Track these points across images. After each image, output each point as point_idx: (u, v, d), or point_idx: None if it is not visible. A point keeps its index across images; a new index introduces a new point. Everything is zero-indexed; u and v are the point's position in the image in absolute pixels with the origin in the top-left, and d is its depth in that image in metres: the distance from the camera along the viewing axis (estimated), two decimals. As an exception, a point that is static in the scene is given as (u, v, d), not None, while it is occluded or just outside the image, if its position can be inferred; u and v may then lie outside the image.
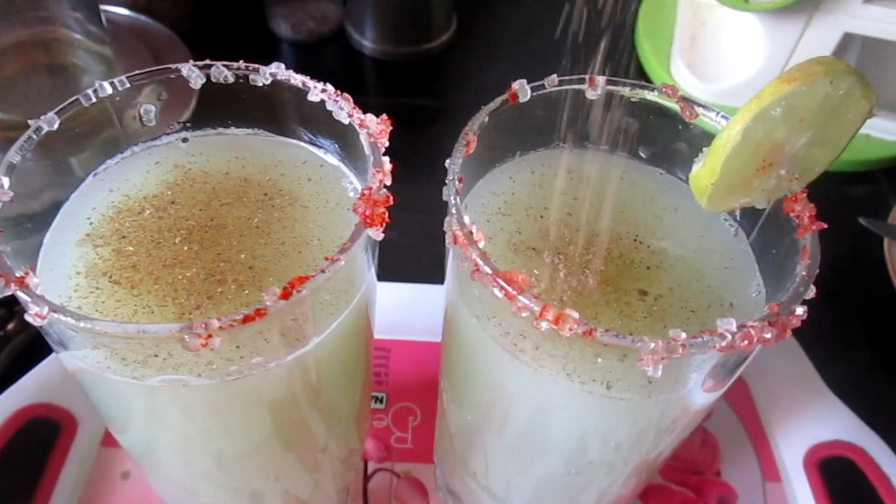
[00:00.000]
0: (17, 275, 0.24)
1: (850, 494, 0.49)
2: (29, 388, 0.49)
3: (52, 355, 0.51)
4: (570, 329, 0.24)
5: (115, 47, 0.65)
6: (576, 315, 0.24)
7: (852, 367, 0.59)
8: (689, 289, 0.31)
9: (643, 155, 0.36)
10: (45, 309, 0.23)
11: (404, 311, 0.58)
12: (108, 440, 0.50)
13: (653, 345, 0.23)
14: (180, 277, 0.29)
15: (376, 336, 0.44)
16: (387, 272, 0.39)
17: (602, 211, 0.34)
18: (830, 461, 0.51)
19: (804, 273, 0.26)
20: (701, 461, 0.52)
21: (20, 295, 0.24)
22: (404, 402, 0.55)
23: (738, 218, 0.33)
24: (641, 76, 0.81)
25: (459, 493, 0.47)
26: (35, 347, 0.54)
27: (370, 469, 0.51)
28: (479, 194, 0.34)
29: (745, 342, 0.24)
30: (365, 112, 0.31)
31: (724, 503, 0.50)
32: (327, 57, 0.83)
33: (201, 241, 0.30)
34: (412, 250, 0.63)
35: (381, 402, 0.54)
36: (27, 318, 0.23)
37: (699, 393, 0.29)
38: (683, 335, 0.24)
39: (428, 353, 0.57)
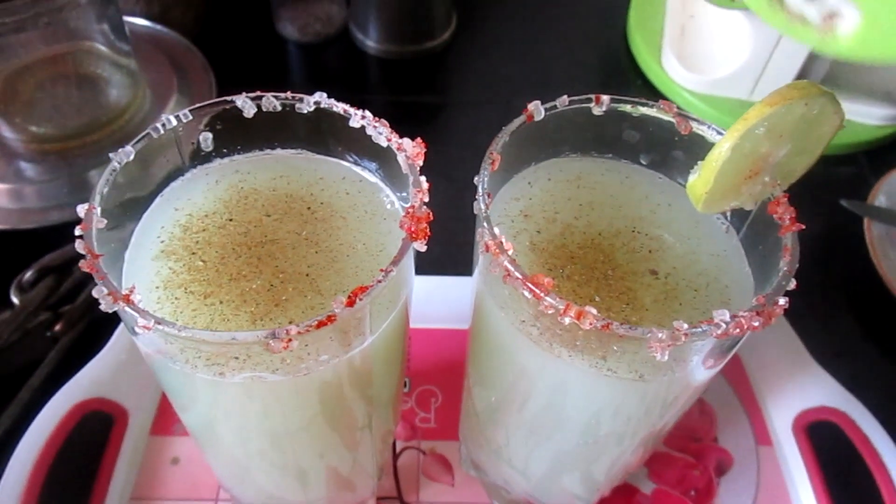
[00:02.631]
0: (123, 293, 0.28)
1: (836, 455, 0.54)
2: (83, 384, 0.54)
3: (101, 353, 0.56)
4: (591, 323, 0.29)
5: (137, 59, 0.69)
6: (594, 311, 0.29)
7: (836, 338, 0.64)
8: (689, 269, 0.35)
9: (643, 162, 0.40)
10: (152, 322, 0.27)
11: (420, 301, 0.63)
12: (157, 429, 0.55)
13: (660, 335, 0.28)
14: (247, 289, 0.33)
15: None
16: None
17: (605, 210, 0.38)
18: (816, 425, 0.56)
19: (786, 268, 0.31)
20: (699, 429, 0.58)
21: (127, 310, 0.28)
22: (426, 385, 0.59)
23: (728, 217, 0.38)
24: (633, 68, 0.85)
25: (484, 465, 0.52)
26: (81, 346, 0.58)
27: (398, 448, 0.55)
28: (503, 200, 0.38)
29: (737, 330, 0.28)
30: (370, 109, 0.35)
31: (722, 466, 0.56)
32: (332, 57, 0.87)
33: (259, 255, 0.35)
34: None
35: (404, 386, 0.59)
36: (137, 329, 0.28)
37: (701, 371, 0.33)
38: (685, 326, 0.28)
39: (445, 339, 0.62)
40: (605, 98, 0.37)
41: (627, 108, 0.38)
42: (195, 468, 0.53)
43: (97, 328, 0.59)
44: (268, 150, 0.39)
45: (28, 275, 0.56)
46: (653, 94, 0.83)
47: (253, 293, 0.33)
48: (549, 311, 0.30)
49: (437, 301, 0.62)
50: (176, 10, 0.79)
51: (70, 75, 0.64)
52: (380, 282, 0.29)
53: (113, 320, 0.59)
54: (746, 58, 0.75)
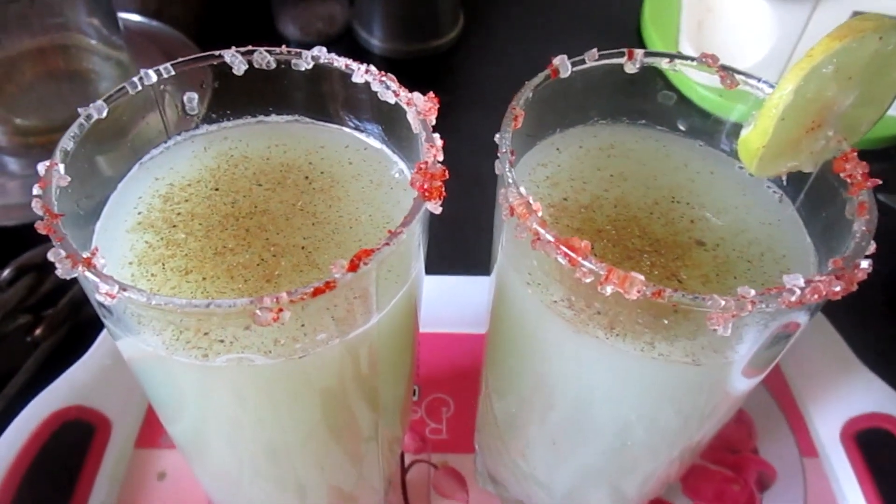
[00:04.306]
0: (84, 256, 0.24)
1: (890, 465, 0.49)
2: (62, 391, 0.49)
3: (84, 358, 0.51)
4: (639, 291, 0.24)
5: (130, 52, 0.65)
6: (641, 277, 0.24)
7: (880, 338, 0.59)
8: (738, 239, 0.31)
9: (682, 128, 0.36)
10: (116, 288, 0.23)
11: (429, 302, 0.58)
12: (143, 441, 0.50)
13: (723, 303, 0.23)
14: (234, 264, 0.29)
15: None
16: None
17: (639, 180, 0.34)
18: (868, 433, 0.51)
19: (864, 228, 0.26)
20: (737, 440, 0.52)
21: (88, 276, 0.24)
22: (437, 394, 0.55)
23: (782, 184, 0.33)
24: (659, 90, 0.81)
25: (502, 479, 0.47)
26: (62, 352, 0.54)
27: (407, 461, 0.50)
28: (528, 165, 0.34)
29: (815, 296, 0.24)
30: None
31: (764, 480, 0.50)
32: (336, 57, 0.83)
33: (248, 227, 0.30)
34: (434, 241, 0.63)
35: (413, 394, 0.54)
36: (98, 297, 0.23)
37: (762, 355, 0.29)
38: (752, 292, 0.24)
39: (456, 343, 0.57)
40: (639, 53, 0.33)
41: (664, 63, 0.34)
42: (184, 483, 0.48)
43: (81, 333, 0.55)
44: (261, 117, 0.35)
45: (5, 273, 0.52)
46: (669, 90, 0.79)
47: (240, 268, 0.29)
48: (587, 280, 0.25)
49: (449, 303, 0.58)
50: (174, 7, 0.76)
51: (59, 68, 0.61)
52: (387, 244, 0.25)
53: (98, 324, 0.54)
54: (769, 49, 0.71)
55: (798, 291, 0.24)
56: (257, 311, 0.23)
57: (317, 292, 0.23)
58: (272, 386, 0.28)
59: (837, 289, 0.24)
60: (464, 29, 0.85)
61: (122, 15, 0.72)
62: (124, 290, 0.23)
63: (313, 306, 0.24)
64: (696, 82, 0.77)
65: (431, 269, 0.59)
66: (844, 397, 0.52)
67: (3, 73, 0.59)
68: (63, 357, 0.52)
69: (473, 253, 0.60)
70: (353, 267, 0.24)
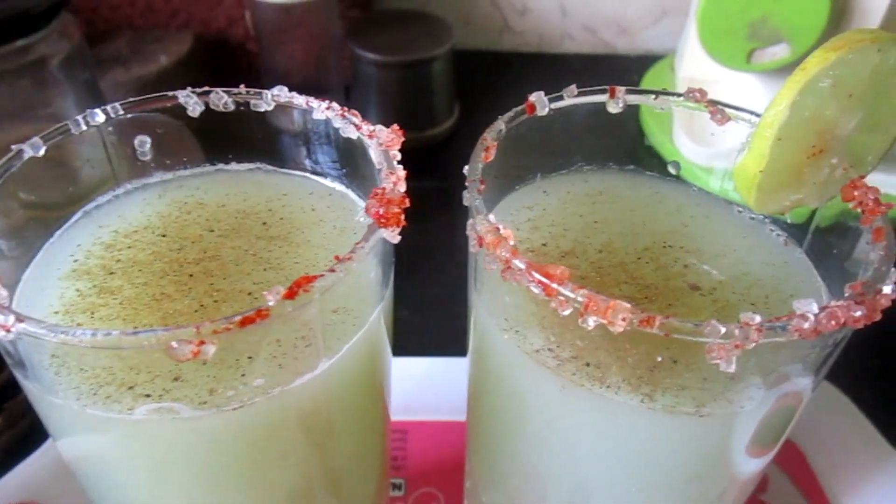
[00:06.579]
0: (-20, 286, 0.21)
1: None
2: (12, 486, 0.45)
3: (38, 451, 0.47)
4: (624, 320, 0.20)
5: (119, 134, 0.65)
6: (627, 305, 0.21)
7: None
8: (739, 282, 0.28)
9: (672, 171, 0.33)
10: (11, 318, 0.20)
11: (419, 388, 0.54)
12: (95, 544, 0.45)
13: (724, 329, 0.20)
14: (171, 311, 0.26)
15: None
16: (398, 348, 0.37)
17: (628, 225, 0.31)
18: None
19: (882, 253, 0.23)
20: (763, 540, 0.46)
21: (-20, 308, 0.20)
22: (426, 488, 0.49)
23: (787, 226, 0.30)
24: (646, 148, 0.81)
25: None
26: (21, 448, 0.50)
27: (390, 565, 0.45)
28: (510, 207, 0.31)
29: (832, 322, 0.20)
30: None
31: (798, 585, 0.44)
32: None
33: (192, 273, 0.27)
34: (425, 326, 0.59)
35: (399, 489, 0.49)
36: (-11, 329, 0.20)
37: (764, 420, 0.25)
38: (758, 318, 0.20)
39: (446, 433, 0.53)
40: (621, 90, 0.31)
41: (650, 100, 0.31)
42: None
43: (42, 427, 0.51)
44: (221, 165, 0.33)
45: (-38, 358, 0.49)
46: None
47: (176, 315, 0.25)
48: (566, 311, 0.22)
49: (436, 388, 0.53)
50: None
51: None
52: (332, 271, 0.21)
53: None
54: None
55: (812, 318, 0.20)
56: (174, 344, 0.19)
57: (245, 321, 0.20)
58: (203, 448, 0.24)
59: (858, 314, 0.20)
60: (459, 118, 0.85)
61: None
62: (21, 320, 0.19)
63: (247, 342, 0.21)
64: (697, 164, 0.76)
65: (420, 352, 0.56)
66: (880, 488, 0.47)
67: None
68: (22, 452, 0.48)
69: (463, 336, 0.57)
70: (291, 294, 0.20)
